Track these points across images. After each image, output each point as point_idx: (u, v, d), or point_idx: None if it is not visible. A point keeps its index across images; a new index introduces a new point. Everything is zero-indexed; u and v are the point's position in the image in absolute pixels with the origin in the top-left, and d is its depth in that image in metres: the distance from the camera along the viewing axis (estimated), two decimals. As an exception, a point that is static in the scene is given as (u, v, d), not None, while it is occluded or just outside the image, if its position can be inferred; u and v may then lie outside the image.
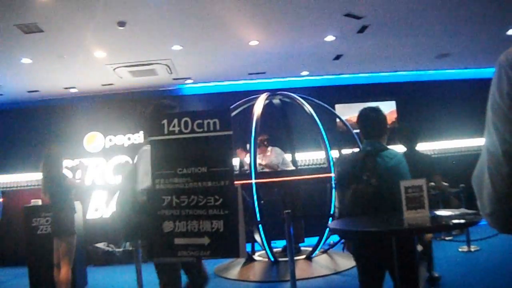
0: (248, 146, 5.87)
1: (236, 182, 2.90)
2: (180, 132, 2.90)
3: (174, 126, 2.91)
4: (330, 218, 5.66)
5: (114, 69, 6.83)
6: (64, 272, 4.41)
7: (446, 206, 4.81)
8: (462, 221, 2.35)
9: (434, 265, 4.64)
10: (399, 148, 4.14)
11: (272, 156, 6.50)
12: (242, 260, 5.82)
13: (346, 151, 7.23)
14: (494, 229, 0.99)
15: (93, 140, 7.96)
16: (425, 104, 8.54)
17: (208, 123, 2.83)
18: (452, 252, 5.90)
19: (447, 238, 6.64)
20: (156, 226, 2.93)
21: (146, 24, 5.23)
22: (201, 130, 2.85)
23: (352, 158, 2.92)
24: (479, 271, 5.00)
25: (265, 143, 6.52)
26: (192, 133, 2.88)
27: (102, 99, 8.25)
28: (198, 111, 3.10)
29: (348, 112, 7.78)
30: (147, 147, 2.92)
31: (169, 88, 8.42)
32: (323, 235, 5.77)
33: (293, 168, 6.78)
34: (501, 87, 0.90)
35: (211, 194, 2.81)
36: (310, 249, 5.86)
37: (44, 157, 4.59)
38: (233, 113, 5.86)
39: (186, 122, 2.88)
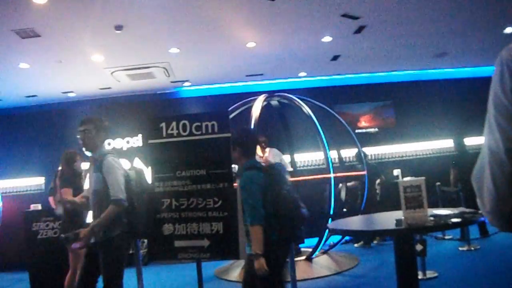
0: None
1: (235, 184, 2.91)
2: (179, 134, 2.91)
3: (172, 129, 2.91)
4: (330, 219, 5.66)
5: (112, 73, 6.83)
6: (69, 277, 4.38)
7: None
8: (461, 220, 2.36)
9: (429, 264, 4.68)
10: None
11: (269, 157, 6.49)
12: (242, 262, 5.79)
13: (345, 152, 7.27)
14: (494, 227, 0.99)
15: (92, 144, 7.93)
16: (423, 104, 8.56)
17: (207, 125, 2.84)
18: (452, 251, 5.90)
19: (446, 237, 6.63)
20: (156, 228, 2.94)
21: (143, 27, 5.23)
22: (199, 132, 2.86)
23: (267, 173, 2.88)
24: (479, 270, 4.99)
25: (263, 144, 6.52)
26: (191, 136, 2.89)
27: (100, 103, 8.24)
28: (197, 114, 3.11)
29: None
30: None
31: (167, 91, 8.43)
32: (322, 236, 5.77)
33: (291, 169, 6.77)
34: (504, 83, 0.90)
35: (210, 196, 2.82)
36: (310, 250, 5.86)
37: (61, 160, 4.59)
38: (231, 115, 5.87)
39: (184, 125, 2.89)
